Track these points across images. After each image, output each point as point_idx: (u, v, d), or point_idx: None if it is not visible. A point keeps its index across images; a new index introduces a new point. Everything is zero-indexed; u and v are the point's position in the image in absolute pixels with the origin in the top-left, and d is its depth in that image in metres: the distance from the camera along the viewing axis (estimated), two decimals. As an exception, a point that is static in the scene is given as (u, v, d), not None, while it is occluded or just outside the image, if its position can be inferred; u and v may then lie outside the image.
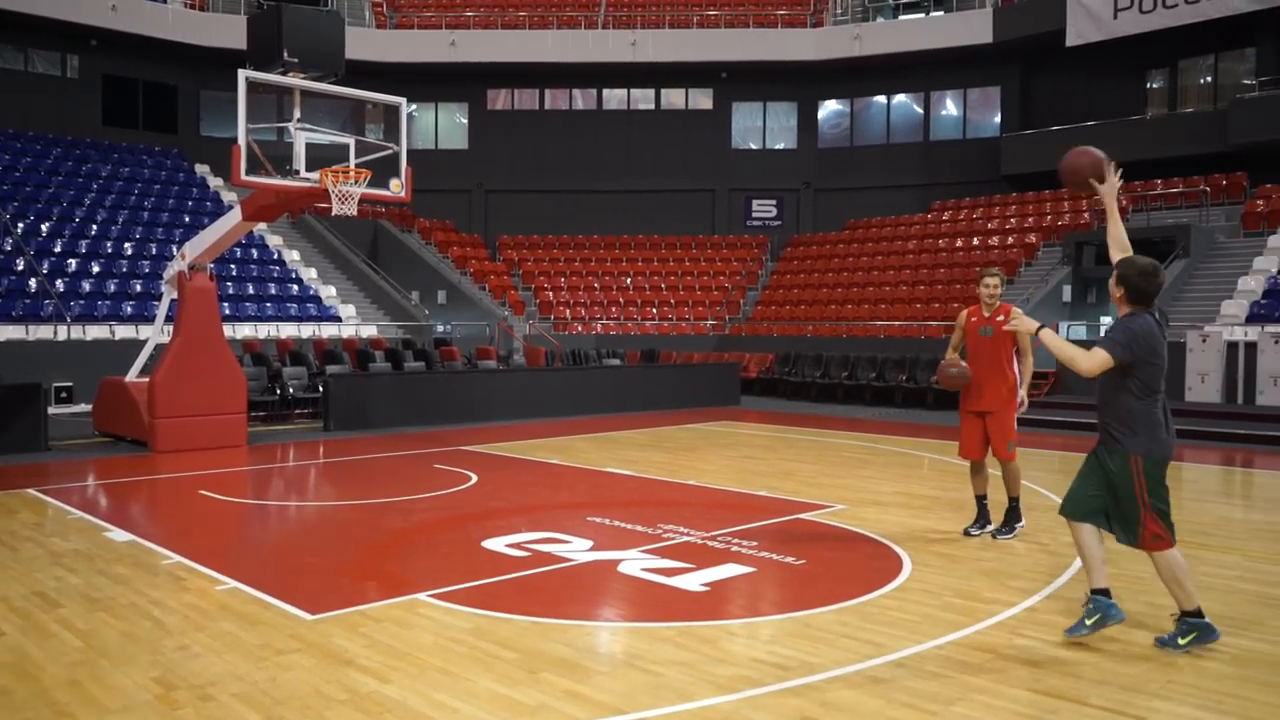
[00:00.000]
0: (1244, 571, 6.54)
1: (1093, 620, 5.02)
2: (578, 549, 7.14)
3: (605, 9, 31.38)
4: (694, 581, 6.23)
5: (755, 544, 7.26)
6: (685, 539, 7.45)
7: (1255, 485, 11.04)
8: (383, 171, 11.56)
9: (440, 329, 24.78)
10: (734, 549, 7.11)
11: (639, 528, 7.86)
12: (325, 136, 10.79)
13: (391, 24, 30.76)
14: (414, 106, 31.85)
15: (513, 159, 31.42)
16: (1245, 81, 24.71)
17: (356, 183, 10.56)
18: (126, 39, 26.35)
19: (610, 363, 21.22)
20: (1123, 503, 5.06)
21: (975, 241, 26.03)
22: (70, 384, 17.28)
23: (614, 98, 31.76)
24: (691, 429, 15.63)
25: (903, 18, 29.53)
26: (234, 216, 11.84)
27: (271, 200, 11.03)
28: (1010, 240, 25.30)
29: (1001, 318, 7.43)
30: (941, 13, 28.69)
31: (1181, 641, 4.88)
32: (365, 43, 29.52)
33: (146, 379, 13.02)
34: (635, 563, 6.70)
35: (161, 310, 13.83)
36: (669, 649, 4.96)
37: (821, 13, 30.65)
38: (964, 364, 7.50)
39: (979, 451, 7.63)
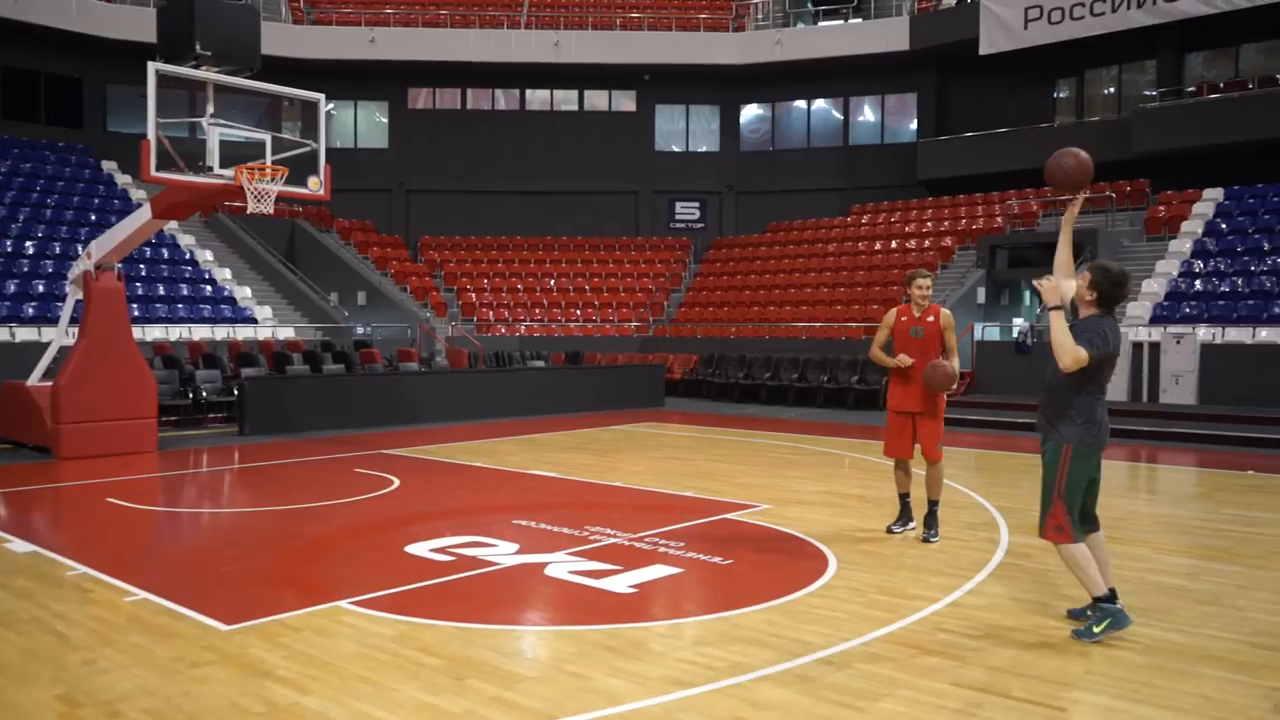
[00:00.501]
0: (1152, 564, 6.76)
1: (1101, 627, 5.04)
2: (503, 552, 7.05)
3: (528, 9, 31.19)
4: (621, 583, 6.20)
5: (682, 545, 7.26)
6: (612, 541, 7.41)
7: (1159, 480, 11.45)
8: (301, 169, 11.29)
9: (361, 331, 24.32)
10: (661, 550, 7.09)
11: (565, 530, 7.79)
12: (240, 133, 10.47)
13: (309, 20, 30.10)
14: (333, 105, 31.24)
15: (434, 159, 31.02)
16: (1147, 93, 25.69)
17: (273, 180, 10.27)
18: (28, 29, 25.25)
19: (534, 364, 21.08)
20: (1041, 490, 5.22)
21: (894, 244, 26.53)
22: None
23: (537, 98, 31.59)
24: (616, 430, 15.61)
25: (822, 24, 29.98)
26: (143, 214, 11.42)
27: (183, 198, 10.67)
28: (927, 243, 25.85)
29: (932, 318, 7.55)
30: (860, 20, 29.20)
31: (1096, 630, 4.99)
32: (282, 38, 28.80)
33: (50, 383, 12.48)
34: (562, 565, 6.64)
35: (66, 311, 13.27)
36: (597, 652, 4.91)
37: (743, 18, 30.93)
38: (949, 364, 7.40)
39: (908, 451, 7.69)
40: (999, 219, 25.29)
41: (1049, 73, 27.44)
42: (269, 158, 10.49)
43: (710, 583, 6.32)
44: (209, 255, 24.43)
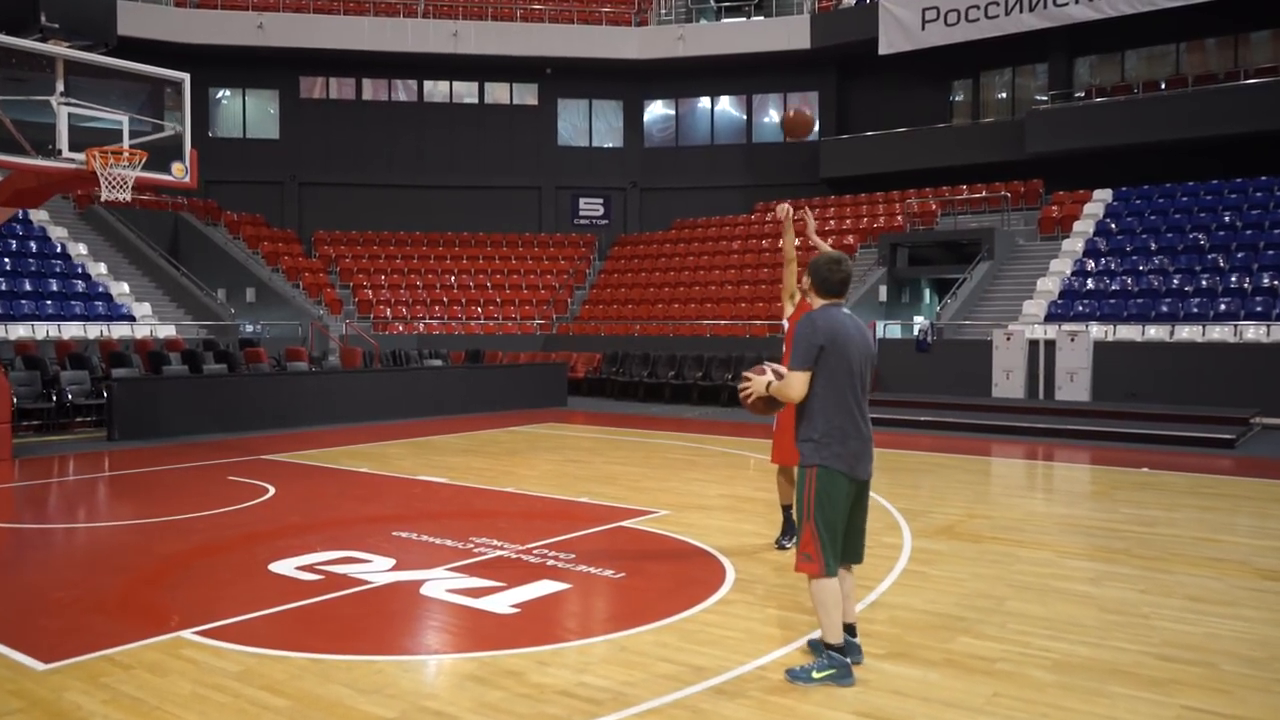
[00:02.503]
0: (1057, 569, 6.57)
1: (823, 674, 4.44)
2: (377, 569, 6.49)
3: (426, -3, 30.30)
4: (503, 603, 5.71)
5: (572, 556, 6.80)
6: (498, 553, 6.92)
7: (1056, 478, 11.46)
8: (169, 155, 10.44)
9: (249, 329, 23.20)
10: (549, 563, 6.63)
11: (448, 542, 7.26)
12: (97, 115, 9.60)
13: (193, 2, 28.63)
14: (223, 93, 29.84)
15: (329, 150, 29.89)
16: (1039, 97, 26.24)
17: (130, 165, 9.43)
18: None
19: (431, 363, 20.36)
20: (796, 515, 4.68)
21: (797, 242, 26.44)
22: None
23: (436, 90, 30.72)
24: (515, 432, 15.06)
25: (725, 20, 29.84)
26: (-13, 202, 10.44)
27: (31, 183, 9.75)
28: (830, 241, 25.89)
29: None
30: (762, 17, 29.15)
31: (816, 675, 4.43)
32: (163, 21, 27.40)
33: (-117, 387, 11.37)
34: (440, 583, 6.12)
35: (-97, 308, 12.11)
36: (468, 686, 4.42)
37: (646, 12, 30.60)
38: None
39: (794, 457, 7.36)
40: (899, 217, 25.50)
41: (946, 74, 27.83)
42: (126, 141, 9.64)
43: (599, 600, 5.88)
44: (83, 249, 22.97)
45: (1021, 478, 11.49)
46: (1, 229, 21.88)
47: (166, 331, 20.73)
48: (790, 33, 28.24)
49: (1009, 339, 17.79)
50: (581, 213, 31.52)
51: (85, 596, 5.95)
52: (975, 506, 8.86)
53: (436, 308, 26.85)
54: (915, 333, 20.32)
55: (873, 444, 4.62)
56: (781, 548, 7.24)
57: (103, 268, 22.43)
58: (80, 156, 9.39)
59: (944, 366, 18.63)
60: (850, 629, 4.71)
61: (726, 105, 31.14)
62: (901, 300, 24.14)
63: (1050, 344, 17.46)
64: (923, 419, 16.05)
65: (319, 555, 6.85)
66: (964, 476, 10.74)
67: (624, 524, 8.05)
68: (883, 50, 26.55)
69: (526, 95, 30.96)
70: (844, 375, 4.49)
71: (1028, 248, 22.57)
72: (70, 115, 9.56)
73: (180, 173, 10.15)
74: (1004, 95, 27.82)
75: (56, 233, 23.06)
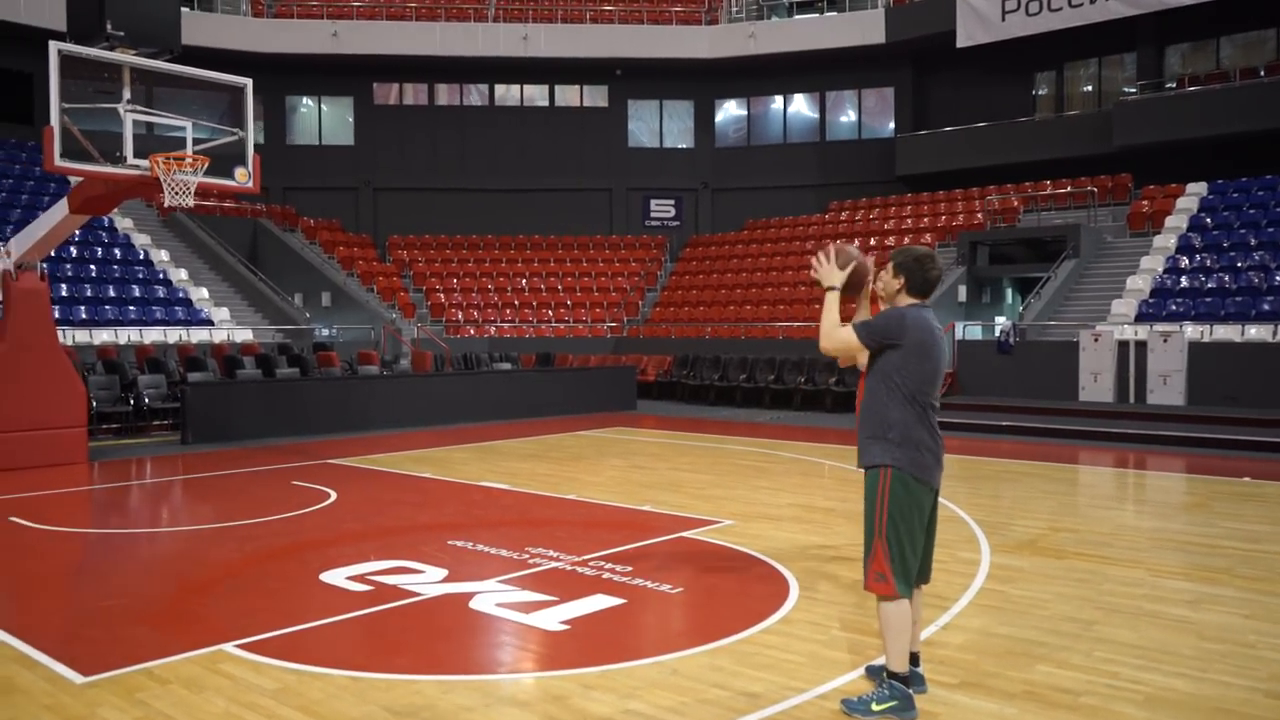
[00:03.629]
0: (1150, 590, 6.08)
1: (883, 706, 4.10)
2: (429, 580, 6.31)
3: (496, 2, 30.40)
4: (553, 619, 5.46)
5: (630, 569, 6.53)
6: (553, 565, 6.69)
7: (1149, 488, 10.81)
8: (236, 161, 10.49)
9: (325, 333, 23.49)
10: (605, 576, 6.37)
11: (504, 552, 7.06)
12: (161, 120, 9.67)
13: (270, 13, 29.20)
14: (307, 102, 30.37)
15: (402, 156, 30.19)
16: (1127, 89, 25.15)
17: (193, 171, 9.47)
18: (18, 30, 24.24)
19: (500, 367, 20.32)
20: (863, 528, 4.29)
21: (872, 241, 25.87)
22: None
23: (507, 94, 30.80)
24: (582, 436, 14.87)
25: (797, 17, 29.30)
26: (60, 209, 10.60)
27: (99, 190, 9.87)
28: (906, 240, 25.20)
29: None
30: (835, 12, 28.54)
31: (876, 708, 4.06)
32: (241, 32, 27.99)
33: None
34: (491, 596, 5.91)
35: (-13, 314, 12.42)
36: (508, 710, 4.18)
37: (716, 11, 30.23)
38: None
39: None
40: (979, 215, 24.68)
41: (1028, 66, 26.86)
42: (189, 147, 9.69)
43: (653, 617, 5.60)
44: (165, 255, 23.53)
45: (1111, 488, 10.87)
46: (88, 237, 22.56)
47: (244, 336, 21.09)
48: (864, 27, 27.58)
49: (1097, 340, 16.99)
50: (653, 214, 31.28)
51: (134, 605, 5.88)
52: (1060, 519, 8.34)
53: (508, 311, 26.88)
54: (997, 334, 19.58)
55: (943, 452, 4.27)
56: None
57: (184, 273, 22.93)
58: (145, 163, 9.46)
59: (1027, 369, 17.88)
60: (914, 657, 4.36)
61: (799, 103, 30.58)
62: (982, 300, 23.34)
63: (1141, 345, 16.61)
64: (1003, 424, 15.41)
65: (371, 565, 6.70)
66: (1048, 486, 10.18)
67: (686, 534, 7.76)
68: (960, 43, 25.74)
69: (597, 97, 30.85)
70: (924, 381, 4.16)
71: (1116, 245, 21.62)
72: (139, 123, 9.64)
73: (243, 177, 10.18)
74: (1089, 87, 26.75)
75: (140, 240, 23.66)
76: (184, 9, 27.71)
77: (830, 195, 29.42)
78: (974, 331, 21.25)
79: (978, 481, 10.49)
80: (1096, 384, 16.85)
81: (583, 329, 26.15)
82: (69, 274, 20.67)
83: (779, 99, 30.61)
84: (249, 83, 10.35)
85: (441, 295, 27.22)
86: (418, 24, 28.92)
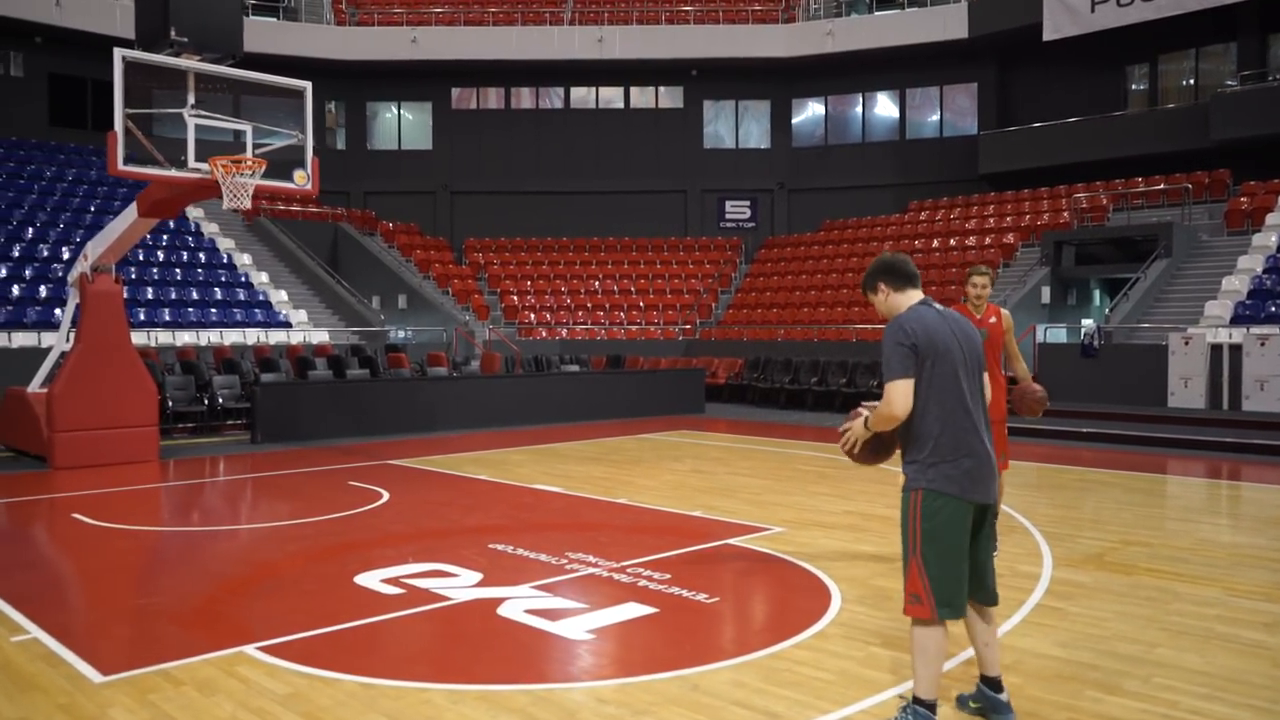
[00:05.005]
0: (1224, 610, 5.62)
1: (975, 705, 4.04)
2: (462, 584, 6.21)
3: (572, 5, 30.49)
4: (579, 627, 5.29)
5: (668, 577, 6.33)
6: (590, 571, 6.52)
7: (1242, 501, 10.15)
8: (295, 165, 10.61)
9: (400, 335, 23.81)
10: (641, 583, 6.18)
11: (542, 557, 6.92)
12: (222, 124, 9.82)
13: (352, 21, 29.80)
14: (394, 109, 30.92)
15: (479, 159, 30.49)
16: (1228, 82, 23.93)
17: (251, 173, 9.60)
18: (74, 36, 25.27)
19: (568, 369, 20.27)
20: (901, 546, 3.97)
21: (952, 242, 25.17)
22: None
23: (582, 96, 30.85)
24: (645, 439, 14.69)
25: (877, 13, 28.68)
26: (131, 213, 10.87)
27: (165, 193, 10.07)
28: (988, 240, 24.45)
29: (994, 320, 6.74)
30: (916, 7, 27.85)
31: None
32: (324, 40, 28.64)
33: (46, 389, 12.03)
34: (520, 602, 5.77)
35: (66, 315, 12.85)
36: (514, 723, 4.02)
37: (794, 9, 29.80)
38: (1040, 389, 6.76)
39: None
40: (1065, 214, 23.77)
41: (1119, 59, 25.79)
42: (249, 150, 9.82)
43: (683, 628, 5.38)
44: (247, 259, 24.13)
45: (1196, 499, 10.24)
46: (175, 241, 23.29)
47: (320, 338, 21.48)
48: (946, 22, 26.86)
49: (1187, 343, 16.15)
50: (728, 215, 30.97)
51: (167, 604, 5.91)
52: (1133, 531, 7.85)
53: (580, 313, 26.88)
54: (1081, 336, 18.79)
55: (993, 462, 3.93)
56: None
57: (264, 276, 23.48)
58: (205, 166, 9.63)
59: (1113, 374, 17.10)
60: (995, 683, 4.02)
61: (878, 101, 29.94)
62: (1068, 302, 22.47)
63: (1236, 349, 15.72)
64: (1086, 431, 14.74)
65: (408, 567, 6.63)
66: (1126, 496, 9.63)
67: (732, 541, 7.51)
68: (1047, 36, 24.85)
69: (672, 98, 30.69)
70: (947, 381, 3.84)
71: (1211, 243, 20.57)
72: (202, 127, 9.81)
73: (301, 180, 10.28)
74: (1186, 80, 25.54)
75: (225, 244, 24.32)
76: (269, 19, 28.55)
77: (910, 195, 28.73)
78: (1057, 335, 20.44)
79: (1051, 491, 9.99)
80: (1187, 389, 16.02)
81: (655, 331, 26.00)
82: (155, 277, 21.33)
83: (858, 97, 30.02)
84: (308, 86, 10.45)
85: (515, 297, 27.37)
86: (495, 28, 29.18)
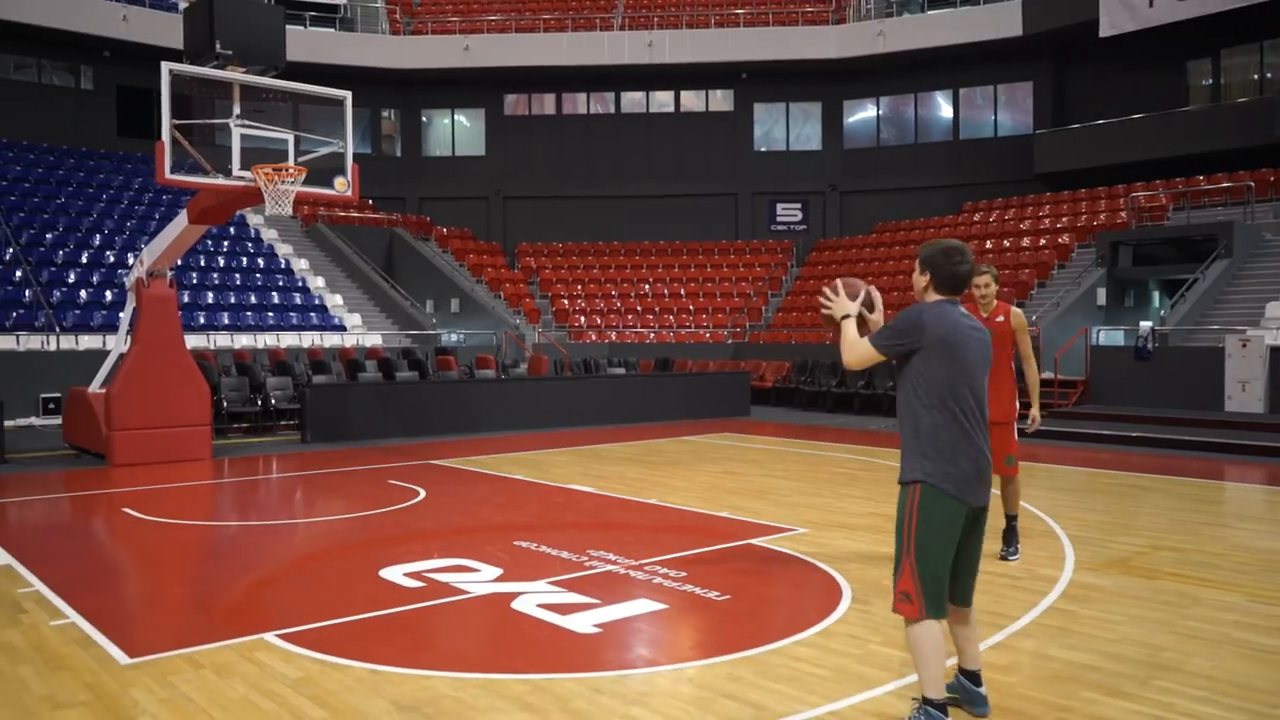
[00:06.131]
0: (1242, 615, 5.53)
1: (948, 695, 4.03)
2: (481, 579, 6.36)
3: (623, 10, 30.70)
4: (587, 622, 5.41)
5: (684, 575, 6.41)
6: (608, 568, 6.63)
7: (1288, 505, 9.89)
8: (336, 171, 10.92)
9: (453, 338, 24.19)
10: (656, 581, 6.27)
11: (564, 554, 7.05)
12: (266, 133, 10.16)
13: (407, 30, 30.38)
14: (460, 118, 31.46)
15: (531, 164, 30.85)
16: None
17: (293, 181, 9.90)
18: (139, 49, 26.11)
19: (614, 371, 20.42)
20: (894, 546, 4.01)
21: (1007, 243, 24.81)
22: (59, 395, 16.90)
23: (632, 100, 31.04)
24: (686, 441, 14.77)
25: (930, 12, 28.38)
26: (181, 220, 11.28)
27: (212, 201, 10.44)
28: (1043, 241, 24.05)
29: (1001, 319, 6.67)
30: (969, 6, 27.51)
31: None
32: (379, 50, 29.26)
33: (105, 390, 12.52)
34: (534, 597, 5.90)
35: (125, 318, 13.34)
36: (509, 710, 4.15)
37: (844, 9, 29.64)
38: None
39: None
40: (1123, 214, 23.29)
41: (1179, 54, 25.18)
42: (292, 158, 10.15)
43: (689, 625, 5.46)
44: (305, 264, 24.76)
45: (1239, 505, 10.01)
46: (235, 248, 23.98)
47: (373, 341, 21.95)
48: (1000, 20, 26.49)
49: (1245, 345, 15.74)
50: (779, 218, 30.90)
51: (200, 593, 6.16)
52: (1165, 536, 7.72)
53: (630, 316, 27.05)
54: (1135, 339, 18.39)
55: (990, 466, 3.97)
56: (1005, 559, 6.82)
57: (321, 281, 24.06)
58: (249, 174, 9.96)
59: (1167, 377, 16.72)
60: (975, 676, 4.08)
61: (931, 101, 29.63)
62: (1124, 304, 22.00)
63: (1297, 352, 15.29)
64: (1135, 435, 14.45)
65: (431, 562, 6.81)
66: (1165, 501, 9.46)
67: (754, 541, 7.57)
68: (1104, 32, 24.38)
69: (722, 101, 30.73)
70: (956, 384, 3.87)
71: (1275, 243, 19.99)
72: (248, 137, 10.16)
73: (342, 186, 10.58)
74: (1251, 74, 24.85)
75: (283, 249, 24.97)
76: (327, 29, 29.23)
77: (964, 196, 28.37)
78: (1113, 337, 20.03)
79: (1087, 495, 9.86)
80: (1245, 393, 15.62)
81: (703, 334, 26.06)
82: (215, 282, 21.99)
83: (910, 97, 29.74)
84: (348, 95, 10.75)
85: (566, 301, 27.64)
86: (546, 35, 29.52)
